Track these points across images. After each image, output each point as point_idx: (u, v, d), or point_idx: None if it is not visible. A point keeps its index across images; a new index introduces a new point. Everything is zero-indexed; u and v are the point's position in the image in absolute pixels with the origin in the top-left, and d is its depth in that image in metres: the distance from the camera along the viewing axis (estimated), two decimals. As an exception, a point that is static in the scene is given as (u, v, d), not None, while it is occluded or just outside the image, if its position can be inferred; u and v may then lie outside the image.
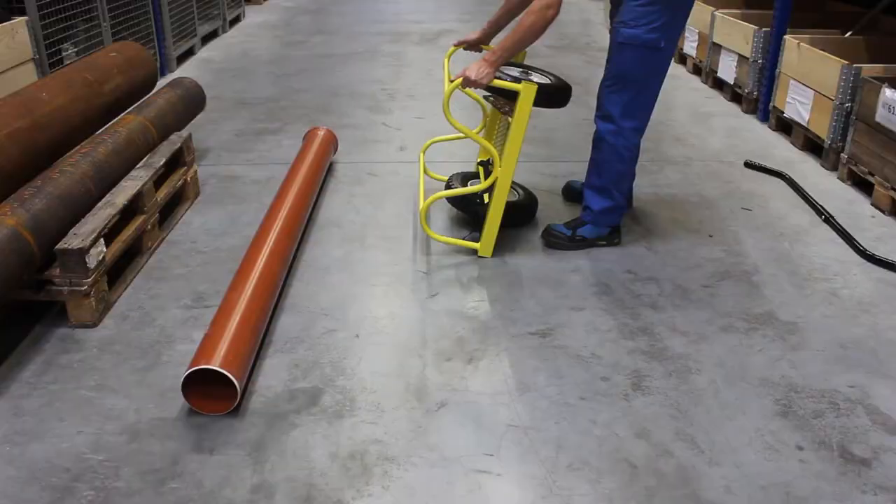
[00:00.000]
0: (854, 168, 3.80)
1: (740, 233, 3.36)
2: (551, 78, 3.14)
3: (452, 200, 3.41)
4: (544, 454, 2.08)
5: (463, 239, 3.19)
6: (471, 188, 3.13)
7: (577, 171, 4.04)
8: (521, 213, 3.38)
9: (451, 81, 2.88)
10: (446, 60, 3.39)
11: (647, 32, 2.84)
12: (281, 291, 2.85)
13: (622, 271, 3.03)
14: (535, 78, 3.09)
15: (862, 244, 3.20)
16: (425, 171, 3.71)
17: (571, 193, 3.65)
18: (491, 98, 3.00)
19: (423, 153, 3.72)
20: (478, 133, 3.66)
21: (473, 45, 3.36)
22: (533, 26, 2.78)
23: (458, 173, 3.54)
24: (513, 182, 3.59)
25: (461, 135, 3.10)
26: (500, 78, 2.97)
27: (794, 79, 4.39)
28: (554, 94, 3.03)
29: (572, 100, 3.18)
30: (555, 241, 3.19)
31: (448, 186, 3.40)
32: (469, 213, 3.35)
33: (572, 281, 2.95)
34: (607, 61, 3.10)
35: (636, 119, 3.03)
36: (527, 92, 2.84)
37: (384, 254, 3.17)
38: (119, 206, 2.88)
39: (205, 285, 2.92)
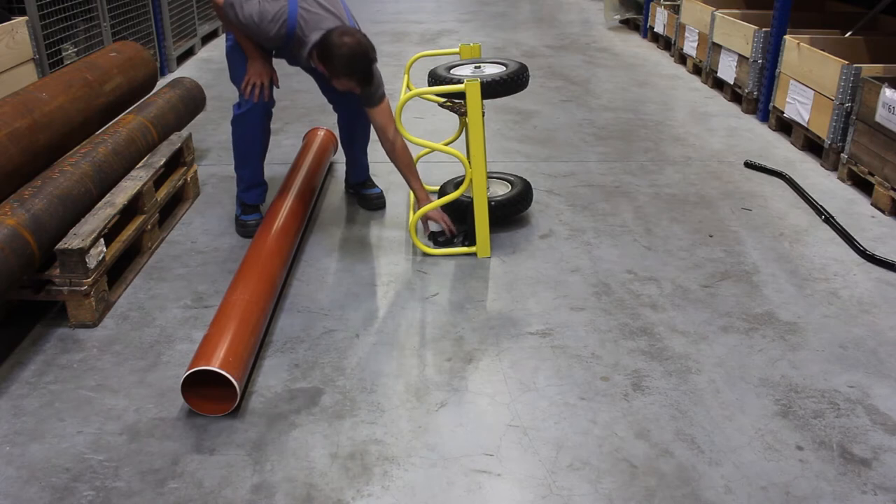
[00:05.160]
0: (854, 168, 3.80)
1: (740, 233, 3.36)
2: (505, 65, 3.20)
3: (445, 208, 3.39)
4: (544, 454, 2.08)
5: (456, 245, 3.18)
6: (450, 195, 3.12)
7: (578, 170, 4.05)
8: (511, 206, 3.34)
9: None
10: (407, 70, 3.50)
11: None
12: (281, 291, 2.85)
13: (622, 271, 3.03)
14: (488, 70, 3.15)
15: (862, 244, 3.20)
16: None
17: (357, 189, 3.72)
18: (448, 103, 3.03)
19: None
20: (455, 139, 3.69)
21: None
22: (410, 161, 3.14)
23: (451, 180, 3.53)
24: (503, 173, 3.59)
25: (450, 141, 3.11)
26: (449, 81, 3.07)
27: (794, 79, 4.39)
28: (506, 82, 3.06)
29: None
30: (381, 201, 3.60)
31: (442, 194, 3.40)
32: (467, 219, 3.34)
33: (572, 281, 2.95)
34: None
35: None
36: (472, 89, 2.88)
37: (384, 254, 3.17)
38: (119, 206, 2.88)
39: (205, 285, 2.92)
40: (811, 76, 4.21)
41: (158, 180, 3.35)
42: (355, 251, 3.19)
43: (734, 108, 5.16)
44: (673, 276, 3.00)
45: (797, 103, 4.35)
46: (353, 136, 3.55)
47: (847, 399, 2.30)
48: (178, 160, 3.57)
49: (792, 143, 4.45)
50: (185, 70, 6.09)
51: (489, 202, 3.19)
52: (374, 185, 3.64)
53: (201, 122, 4.77)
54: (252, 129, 3.24)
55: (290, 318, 2.71)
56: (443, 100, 3.10)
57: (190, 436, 2.14)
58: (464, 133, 3.62)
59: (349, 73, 2.86)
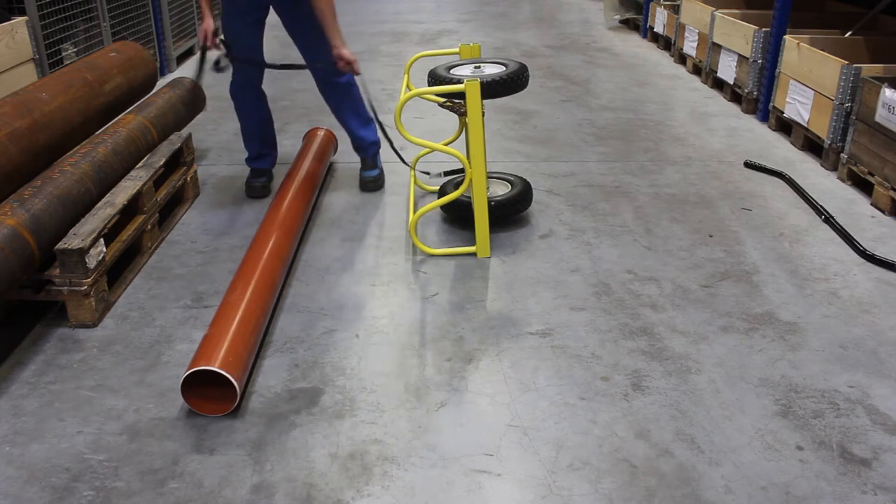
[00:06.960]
0: (854, 168, 3.80)
1: (740, 233, 3.36)
2: (505, 65, 3.21)
3: (446, 208, 3.40)
4: (544, 454, 2.08)
5: (457, 247, 3.18)
6: (450, 195, 3.12)
7: (578, 170, 4.05)
8: (511, 206, 3.33)
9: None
10: (407, 70, 3.49)
11: None
12: (281, 291, 2.85)
13: (622, 271, 3.03)
14: (488, 70, 3.15)
15: (862, 244, 3.20)
16: (416, 183, 3.71)
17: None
18: (447, 103, 3.03)
19: (414, 168, 3.71)
20: (455, 139, 3.69)
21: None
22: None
23: (451, 180, 3.53)
24: (503, 173, 3.59)
25: (450, 141, 3.10)
26: (449, 81, 3.07)
27: (794, 79, 4.39)
28: (506, 82, 3.07)
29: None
30: (374, 185, 3.77)
31: (442, 194, 3.40)
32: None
33: (572, 281, 2.95)
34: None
35: None
36: (471, 89, 2.89)
37: (384, 254, 3.17)
38: (119, 206, 2.88)
39: (205, 285, 2.92)
40: (811, 76, 4.21)
41: (158, 180, 3.35)
42: (355, 251, 3.19)
43: (734, 108, 5.16)
44: (673, 276, 3.00)
45: (797, 103, 4.35)
46: (335, 103, 3.64)
47: (847, 399, 2.30)
48: (178, 160, 3.57)
49: (792, 143, 4.45)
50: (185, 70, 6.09)
51: (489, 202, 3.18)
52: (370, 167, 3.80)
53: (201, 122, 4.77)
54: (241, 104, 3.60)
55: (290, 318, 2.71)
56: (443, 100, 3.10)
57: (190, 436, 2.15)
58: (464, 133, 3.62)
59: None
